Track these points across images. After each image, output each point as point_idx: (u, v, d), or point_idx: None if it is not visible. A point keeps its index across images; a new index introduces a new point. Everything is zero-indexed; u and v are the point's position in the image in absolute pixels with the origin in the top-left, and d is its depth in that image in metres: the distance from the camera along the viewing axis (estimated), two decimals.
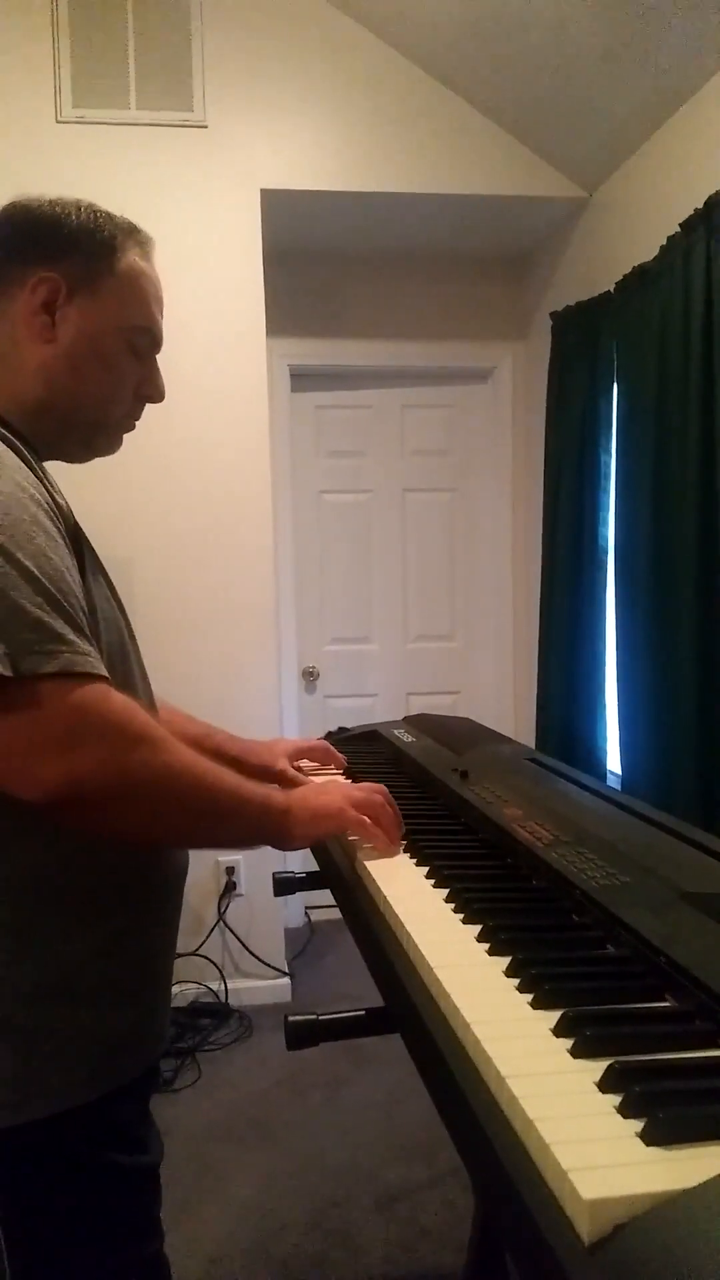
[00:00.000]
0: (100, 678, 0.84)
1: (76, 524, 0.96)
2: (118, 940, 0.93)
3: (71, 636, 0.82)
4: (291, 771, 1.33)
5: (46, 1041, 0.88)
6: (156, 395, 1.06)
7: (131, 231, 1.02)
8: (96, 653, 0.85)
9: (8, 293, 0.97)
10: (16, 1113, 0.86)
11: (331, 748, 1.49)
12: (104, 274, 0.99)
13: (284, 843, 0.98)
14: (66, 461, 1.04)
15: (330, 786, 1.08)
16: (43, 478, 0.92)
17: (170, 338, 1.11)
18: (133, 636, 1.02)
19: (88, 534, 1.01)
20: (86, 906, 0.91)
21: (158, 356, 1.07)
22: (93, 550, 1.00)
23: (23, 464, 0.89)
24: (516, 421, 3.74)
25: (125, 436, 1.08)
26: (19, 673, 0.78)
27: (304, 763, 1.45)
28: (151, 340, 1.04)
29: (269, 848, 1.01)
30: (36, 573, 0.81)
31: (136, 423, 1.08)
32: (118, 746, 0.83)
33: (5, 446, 0.88)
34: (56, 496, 0.93)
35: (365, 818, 1.03)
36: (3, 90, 2.80)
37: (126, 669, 0.98)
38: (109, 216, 1.01)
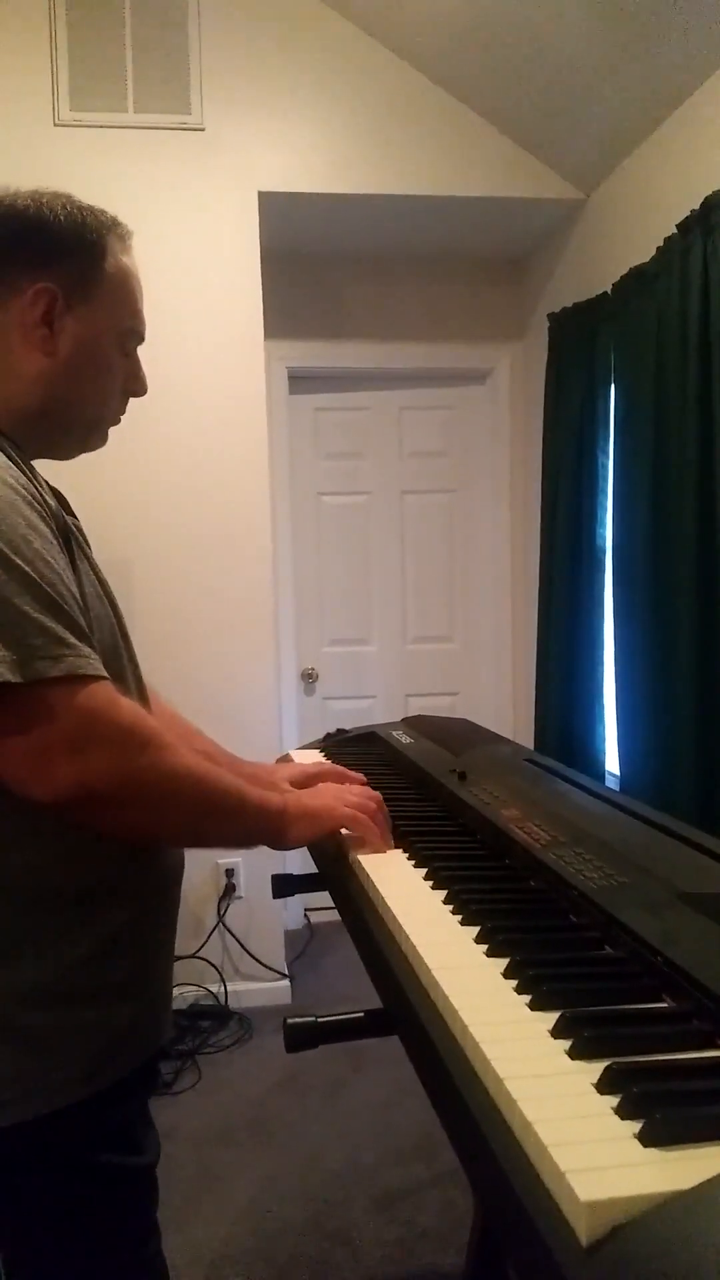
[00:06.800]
0: (104, 679, 0.85)
1: (67, 523, 0.96)
2: (116, 940, 0.93)
3: (73, 640, 0.83)
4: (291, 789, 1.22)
5: (45, 1040, 0.88)
6: (141, 389, 1.07)
7: (113, 226, 1.01)
8: (96, 655, 0.86)
9: None
10: (13, 1112, 0.86)
11: (346, 771, 1.28)
12: (96, 279, 0.98)
13: (279, 842, 1.01)
14: (56, 459, 1.04)
15: (324, 789, 1.11)
16: (32, 478, 0.92)
17: (168, 340, 1.11)
18: (125, 634, 1.03)
19: (86, 537, 1.01)
20: (84, 906, 0.91)
21: (139, 349, 1.06)
22: (85, 547, 1.00)
23: (12, 464, 0.89)
24: (514, 423, 3.74)
25: (121, 438, 1.09)
26: (26, 678, 0.80)
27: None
28: (139, 338, 1.05)
29: (268, 849, 1.01)
30: (35, 577, 0.82)
31: (123, 417, 1.07)
32: (126, 749, 0.85)
33: None
34: (46, 496, 0.93)
35: (357, 812, 1.05)
36: (1, 94, 2.81)
37: (119, 667, 0.98)
38: (91, 212, 1.00)
